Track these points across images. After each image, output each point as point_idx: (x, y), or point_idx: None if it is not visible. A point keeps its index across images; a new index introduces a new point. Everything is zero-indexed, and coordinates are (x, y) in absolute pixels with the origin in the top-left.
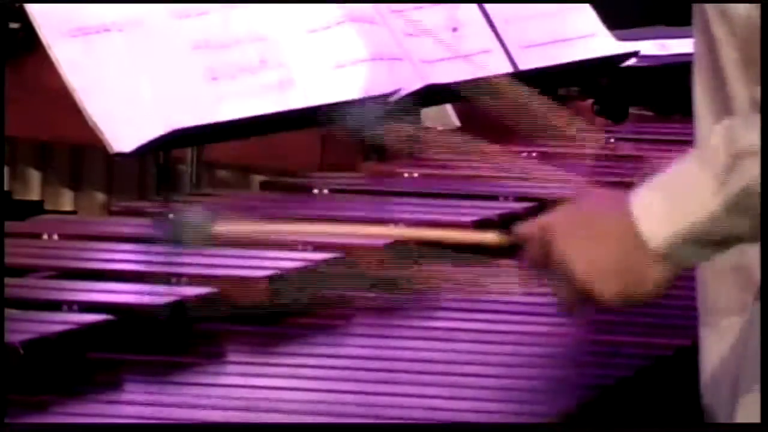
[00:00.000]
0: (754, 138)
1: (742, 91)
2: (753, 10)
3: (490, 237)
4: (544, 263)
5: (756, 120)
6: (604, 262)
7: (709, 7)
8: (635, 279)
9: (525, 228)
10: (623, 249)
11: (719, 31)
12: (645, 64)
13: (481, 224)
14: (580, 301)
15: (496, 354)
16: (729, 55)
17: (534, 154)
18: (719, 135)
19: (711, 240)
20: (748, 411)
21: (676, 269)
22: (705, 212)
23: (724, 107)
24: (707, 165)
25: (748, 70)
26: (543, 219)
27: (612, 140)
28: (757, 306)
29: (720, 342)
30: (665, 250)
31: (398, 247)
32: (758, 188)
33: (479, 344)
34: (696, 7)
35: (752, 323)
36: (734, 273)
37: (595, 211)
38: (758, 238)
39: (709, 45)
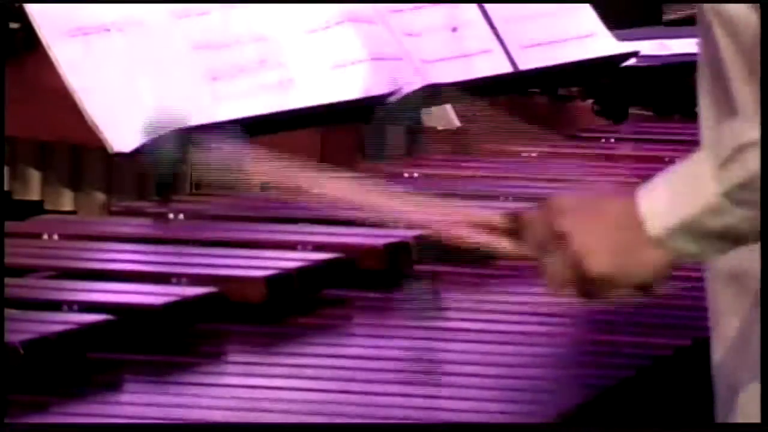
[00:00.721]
0: (755, 133)
1: (746, 94)
2: (754, 13)
3: (496, 218)
4: (544, 242)
5: (758, 119)
6: (600, 236)
7: (708, 9)
8: (629, 259)
9: (532, 211)
10: (620, 227)
11: (721, 35)
12: (645, 64)
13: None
14: (573, 277)
15: (496, 354)
16: (731, 59)
17: (534, 154)
18: (725, 131)
19: (710, 231)
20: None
21: (673, 258)
22: (705, 201)
23: (728, 110)
24: (711, 158)
25: (751, 73)
26: (552, 200)
27: (612, 140)
28: (756, 310)
29: (719, 346)
30: (662, 235)
31: (397, 247)
32: (758, 181)
33: (479, 344)
34: (699, 10)
35: (751, 328)
36: (732, 279)
37: (604, 197)
38: (758, 237)
39: (713, 49)
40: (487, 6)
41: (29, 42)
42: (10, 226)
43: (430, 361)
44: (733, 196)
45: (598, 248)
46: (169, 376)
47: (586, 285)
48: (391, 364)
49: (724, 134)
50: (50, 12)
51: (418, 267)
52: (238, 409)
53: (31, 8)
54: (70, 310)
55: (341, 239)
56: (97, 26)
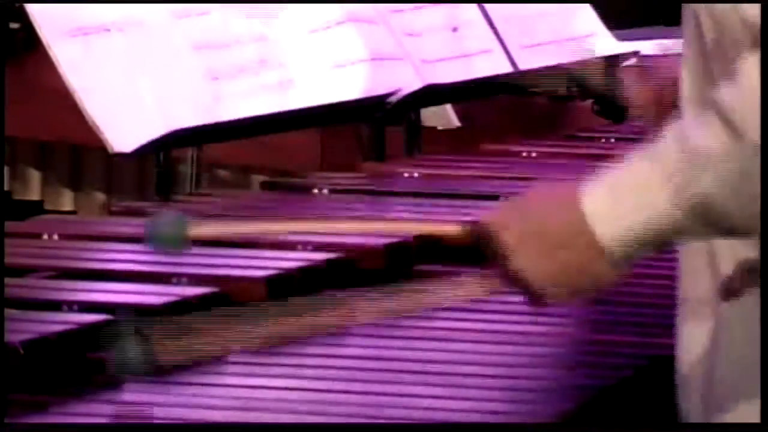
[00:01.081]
0: (708, 140)
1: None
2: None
3: (451, 230)
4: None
5: (708, 120)
6: (556, 269)
7: (700, 9)
8: (588, 279)
9: (483, 224)
10: (575, 252)
11: (709, 33)
12: (645, 64)
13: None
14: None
15: (496, 354)
16: (717, 56)
17: (534, 154)
18: (670, 134)
19: (661, 238)
20: (723, 412)
21: (628, 265)
22: (654, 209)
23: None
24: (657, 163)
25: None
26: (496, 220)
27: (612, 140)
28: (727, 305)
29: (691, 338)
30: (616, 248)
31: (397, 247)
32: (715, 199)
33: (479, 344)
34: (686, 9)
35: (721, 322)
36: (707, 257)
37: (546, 213)
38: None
39: (700, 47)
40: (487, 6)
41: (29, 42)
42: (10, 226)
43: (430, 361)
44: (684, 205)
45: (558, 281)
46: (169, 376)
47: (534, 299)
48: (391, 364)
49: (671, 136)
50: (50, 12)
51: (418, 267)
52: (238, 409)
53: (31, 8)
54: (70, 310)
55: (341, 239)
56: (97, 26)
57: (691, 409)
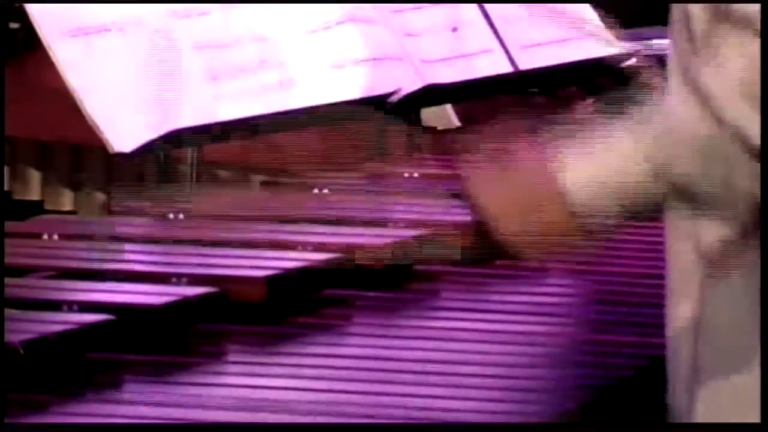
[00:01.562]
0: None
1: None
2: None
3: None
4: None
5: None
6: (510, 196)
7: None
8: (541, 217)
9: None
10: (530, 184)
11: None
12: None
13: (482, 224)
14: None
15: (496, 354)
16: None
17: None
18: (655, 111)
19: (624, 198)
20: (707, 405)
21: (586, 220)
22: (627, 178)
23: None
24: (638, 139)
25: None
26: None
27: None
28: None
29: (677, 325)
30: (573, 193)
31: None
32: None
33: (479, 344)
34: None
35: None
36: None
37: (521, 172)
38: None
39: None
40: (487, 6)
41: (29, 42)
42: (10, 226)
43: (430, 361)
44: (653, 172)
45: (509, 210)
46: (169, 376)
47: (500, 247)
48: (391, 364)
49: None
50: (50, 12)
51: (417, 267)
52: (238, 409)
53: (31, 8)
54: (70, 310)
55: (341, 239)
56: (97, 26)
57: (677, 402)
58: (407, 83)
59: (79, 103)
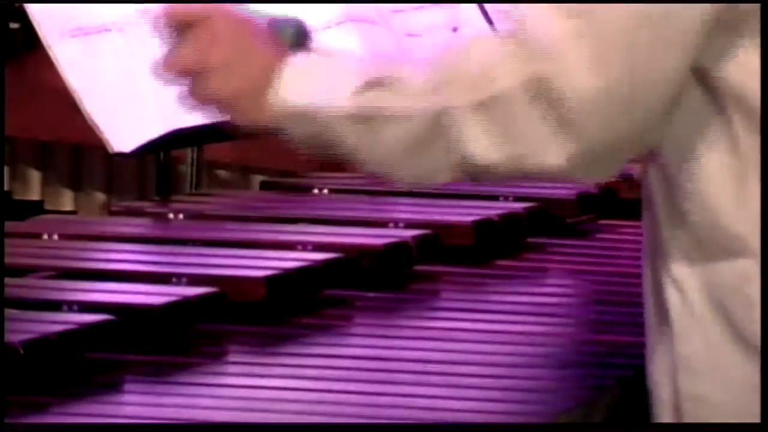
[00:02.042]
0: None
1: None
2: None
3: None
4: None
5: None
6: (233, 65)
7: None
8: (250, 86)
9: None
10: (249, 49)
11: None
12: None
13: (481, 224)
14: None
15: (496, 354)
16: None
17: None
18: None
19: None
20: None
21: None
22: (333, 94)
23: None
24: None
25: None
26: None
27: None
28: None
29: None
30: (281, 88)
31: (397, 247)
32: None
33: (479, 344)
34: None
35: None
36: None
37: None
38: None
39: None
40: (487, 6)
41: (29, 42)
42: (10, 226)
43: (430, 361)
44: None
45: (227, 69)
46: (169, 376)
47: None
48: (391, 365)
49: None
50: (50, 12)
51: (417, 267)
52: (238, 409)
53: (31, 8)
54: (70, 310)
55: (341, 239)
56: (97, 26)
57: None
58: None
59: (79, 103)
